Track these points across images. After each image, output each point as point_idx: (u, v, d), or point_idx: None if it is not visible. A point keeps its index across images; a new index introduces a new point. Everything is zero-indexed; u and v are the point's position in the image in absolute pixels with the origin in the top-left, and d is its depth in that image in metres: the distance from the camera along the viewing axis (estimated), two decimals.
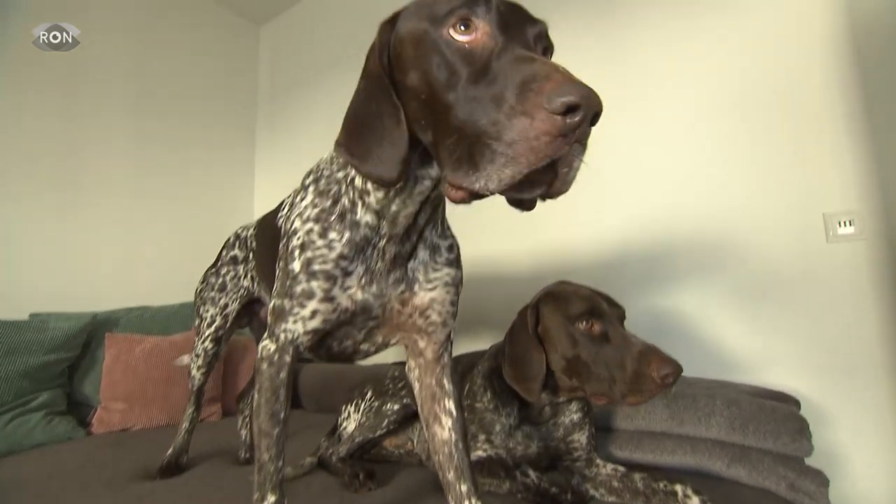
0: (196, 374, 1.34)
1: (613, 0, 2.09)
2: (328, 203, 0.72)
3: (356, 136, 0.58)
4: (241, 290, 1.26)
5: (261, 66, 3.41)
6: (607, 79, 2.05)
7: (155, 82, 2.67)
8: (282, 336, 0.75)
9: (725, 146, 1.80)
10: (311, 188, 0.76)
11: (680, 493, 0.93)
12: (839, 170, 1.63)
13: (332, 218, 0.71)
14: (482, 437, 1.07)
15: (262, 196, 3.24)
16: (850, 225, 1.59)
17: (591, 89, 0.42)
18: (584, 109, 0.42)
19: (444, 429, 0.80)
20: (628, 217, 1.97)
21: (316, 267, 0.70)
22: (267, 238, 1.03)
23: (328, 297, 0.71)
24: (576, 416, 1.10)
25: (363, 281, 0.72)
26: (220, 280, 1.30)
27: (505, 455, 1.07)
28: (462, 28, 0.51)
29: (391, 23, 0.58)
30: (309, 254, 0.71)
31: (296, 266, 0.72)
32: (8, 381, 1.68)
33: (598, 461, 1.09)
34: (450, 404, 0.81)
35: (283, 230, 0.79)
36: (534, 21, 0.54)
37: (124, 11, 2.57)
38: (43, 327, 1.84)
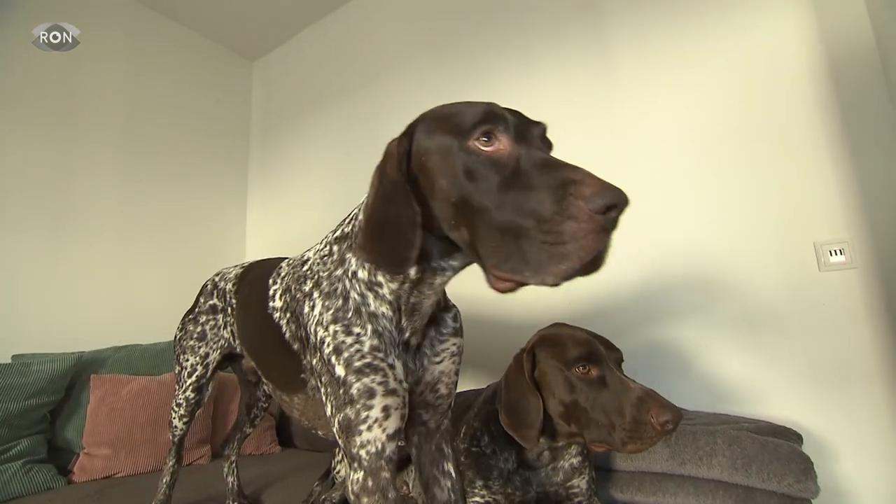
0: (178, 423, 1.29)
1: (603, 43, 2.15)
2: (339, 302, 0.72)
3: (377, 239, 0.63)
4: (222, 341, 1.22)
5: (253, 101, 3.46)
6: (595, 118, 2.09)
7: (146, 116, 2.69)
8: (363, 454, 0.67)
9: (714, 179, 1.83)
10: (315, 294, 0.75)
11: None
12: (827, 198, 1.65)
13: (350, 315, 0.71)
14: (479, 482, 1.04)
15: (254, 231, 3.23)
16: (841, 254, 1.60)
17: (620, 189, 0.50)
18: (619, 206, 0.50)
19: (444, 490, 0.79)
20: (620, 254, 1.97)
21: (357, 363, 0.69)
22: (252, 312, 1.00)
23: (390, 391, 0.69)
24: (575, 461, 1.07)
25: (406, 374, 0.73)
26: (200, 328, 1.25)
27: (503, 501, 1.04)
28: (485, 140, 0.58)
29: (408, 136, 0.65)
30: (345, 354, 0.70)
31: (340, 371, 0.70)
32: None
33: None
34: (449, 467, 0.81)
35: (308, 340, 0.76)
36: (536, 123, 0.63)
37: (117, 45, 2.60)
38: (25, 370, 1.79)
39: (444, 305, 0.82)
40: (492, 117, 0.59)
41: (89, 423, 1.86)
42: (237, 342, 1.17)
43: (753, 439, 1.19)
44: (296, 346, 0.80)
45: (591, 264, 0.52)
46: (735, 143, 1.78)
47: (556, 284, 0.51)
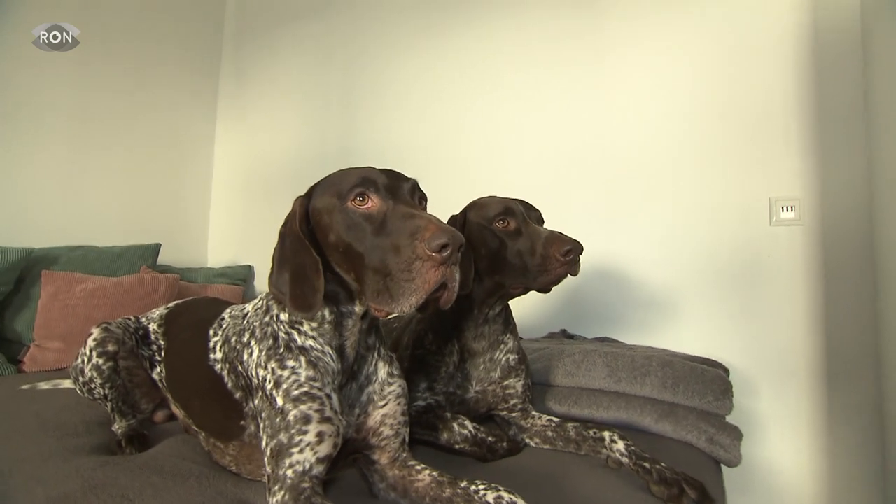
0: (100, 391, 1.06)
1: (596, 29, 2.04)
2: (270, 342, 0.79)
3: (284, 280, 0.74)
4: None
5: (227, 11, 3.17)
6: (584, 77, 2.05)
7: (106, 12, 2.46)
8: (289, 473, 0.69)
9: (691, 137, 1.85)
10: (252, 342, 0.82)
11: (607, 439, 0.98)
12: (787, 159, 1.70)
13: (282, 350, 0.78)
14: (423, 385, 1.09)
15: (223, 150, 3.06)
16: (792, 210, 1.68)
17: (454, 230, 0.63)
18: (451, 245, 0.62)
19: (422, 473, 0.81)
20: (588, 202, 2.00)
21: (295, 392, 0.74)
22: (189, 363, 0.97)
23: (325, 418, 0.73)
24: (511, 358, 1.13)
25: (342, 408, 0.79)
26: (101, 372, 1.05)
27: (444, 402, 1.10)
28: (359, 200, 0.72)
29: (308, 196, 0.78)
30: (284, 386, 0.75)
31: (279, 400, 0.74)
32: None
33: (534, 413, 1.13)
34: (418, 464, 0.83)
35: (251, 383, 0.81)
36: (407, 179, 0.77)
37: None
38: None
39: (383, 353, 0.88)
40: (365, 182, 0.72)
41: (40, 318, 1.83)
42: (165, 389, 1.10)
43: (684, 364, 1.29)
44: (238, 395, 0.84)
45: (444, 296, 0.67)
46: (715, 106, 1.81)
47: (406, 312, 0.65)
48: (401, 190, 0.74)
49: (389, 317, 0.75)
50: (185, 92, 2.89)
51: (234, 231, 2.95)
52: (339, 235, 0.72)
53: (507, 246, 1.01)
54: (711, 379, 1.24)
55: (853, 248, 1.61)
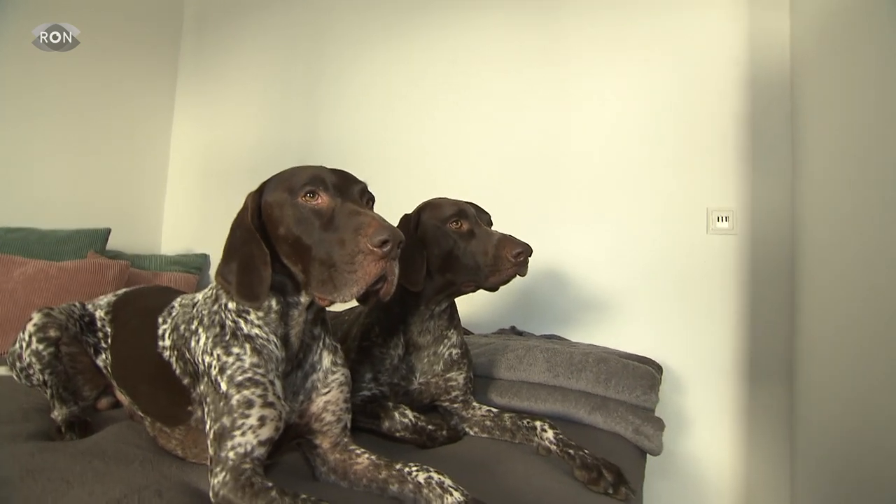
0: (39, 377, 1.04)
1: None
2: (217, 329, 0.82)
3: (232, 270, 0.77)
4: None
5: None
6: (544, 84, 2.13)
7: None
8: (231, 455, 0.73)
9: (639, 148, 1.98)
10: (199, 329, 0.85)
11: (538, 428, 1.05)
12: (723, 171, 1.84)
13: (228, 338, 0.81)
14: (369, 375, 1.13)
15: (182, 128, 2.97)
16: (726, 220, 1.82)
17: (395, 228, 0.70)
18: (391, 241, 0.68)
19: (361, 457, 0.85)
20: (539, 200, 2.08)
21: (239, 378, 0.77)
22: (137, 350, 0.97)
23: (268, 403, 0.77)
24: (455, 353, 1.18)
25: (286, 394, 0.82)
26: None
27: (388, 392, 1.14)
28: (309, 196, 0.77)
29: (259, 192, 0.82)
30: (228, 371, 0.78)
31: (223, 385, 0.78)
32: None
33: (475, 404, 1.18)
34: (357, 448, 0.87)
35: (198, 369, 0.83)
36: (357, 182, 0.82)
37: None
38: None
39: (328, 343, 0.91)
40: (315, 180, 0.77)
41: None
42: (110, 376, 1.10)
43: (618, 361, 1.38)
44: (186, 381, 0.86)
45: (384, 288, 0.73)
46: (665, 121, 1.94)
47: (345, 300, 0.72)
48: (350, 190, 0.79)
49: (331, 306, 0.81)
50: (141, 71, 2.78)
51: (190, 219, 2.87)
52: (288, 228, 0.77)
53: (461, 246, 1.07)
54: (641, 375, 1.33)
55: (778, 259, 1.77)
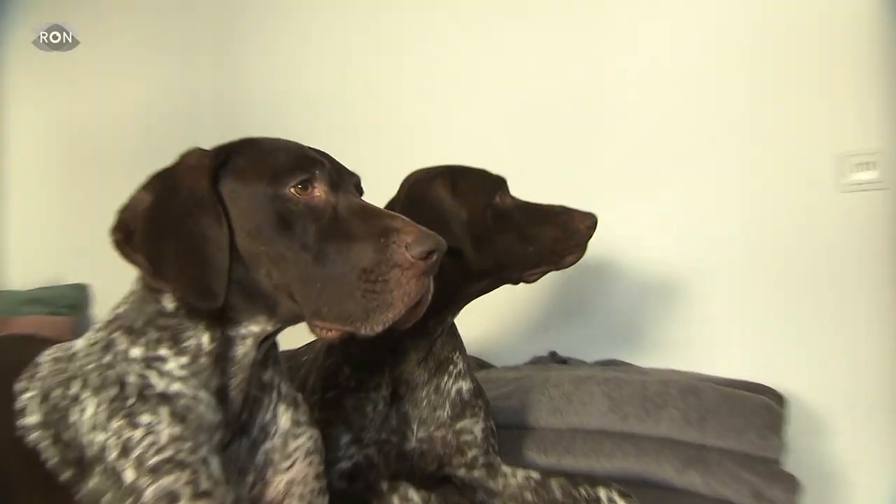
0: None
1: None
2: (115, 391, 0.61)
3: (168, 253, 0.57)
4: None
5: None
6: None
7: None
8: None
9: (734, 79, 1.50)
10: (84, 395, 0.63)
11: (604, 499, 0.83)
12: (857, 97, 1.36)
13: (132, 402, 0.60)
14: (345, 438, 0.89)
15: (24, 105, 2.36)
16: (869, 169, 1.36)
17: (437, 235, 0.56)
18: (438, 251, 0.56)
19: None
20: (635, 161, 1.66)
21: (154, 460, 0.57)
22: None
23: (201, 493, 0.57)
24: (465, 388, 0.94)
25: (227, 475, 0.62)
26: None
27: (377, 457, 0.89)
28: (301, 188, 0.59)
29: (215, 159, 0.62)
30: (136, 452, 0.58)
31: (128, 474, 0.57)
32: None
33: (504, 468, 0.93)
34: None
35: (84, 457, 0.62)
36: (351, 174, 0.66)
37: None
38: None
39: (284, 393, 0.72)
40: (309, 163, 0.61)
41: None
42: None
43: (715, 391, 1.08)
44: (66, 475, 0.64)
45: (415, 308, 0.57)
46: (759, 31, 1.47)
47: (378, 332, 0.55)
48: (345, 183, 0.64)
49: (341, 339, 0.61)
50: None
51: (52, 235, 2.19)
52: (268, 230, 0.59)
53: (521, 225, 0.92)
54: (753, 410, 1.05)
55: None
